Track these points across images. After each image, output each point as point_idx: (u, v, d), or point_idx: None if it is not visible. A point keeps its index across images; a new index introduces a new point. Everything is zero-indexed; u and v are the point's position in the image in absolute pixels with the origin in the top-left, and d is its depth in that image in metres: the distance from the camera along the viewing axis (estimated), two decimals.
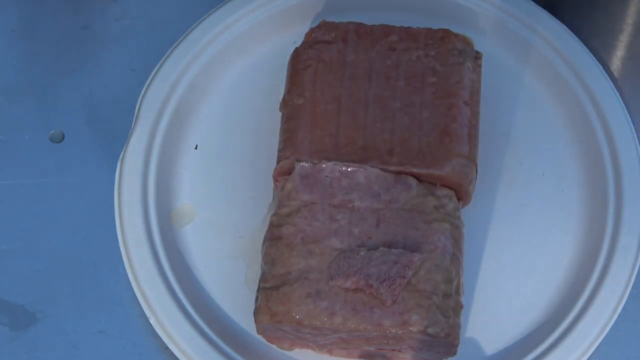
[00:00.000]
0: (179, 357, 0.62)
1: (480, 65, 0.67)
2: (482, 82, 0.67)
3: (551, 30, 0.71)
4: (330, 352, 0.63)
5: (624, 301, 0.63)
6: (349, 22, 0.67)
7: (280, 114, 0.66)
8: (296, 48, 0.67)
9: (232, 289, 0.65)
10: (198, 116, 0.70)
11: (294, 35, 0.72)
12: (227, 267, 0.66)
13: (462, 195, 0.63)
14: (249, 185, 0.68)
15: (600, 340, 0.62)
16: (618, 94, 0.69)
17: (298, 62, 0.66)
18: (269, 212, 0.67)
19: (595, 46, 0.73)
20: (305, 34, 0.67)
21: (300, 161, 0.62)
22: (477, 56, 0.67)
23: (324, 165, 0.62)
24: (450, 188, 0.62)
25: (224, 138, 0.70)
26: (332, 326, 0.58)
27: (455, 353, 0.60)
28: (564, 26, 0.71)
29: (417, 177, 0.62)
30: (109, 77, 0.72)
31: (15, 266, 0.66)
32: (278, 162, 0.63)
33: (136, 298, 0.63)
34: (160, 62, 0.70)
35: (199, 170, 0.69)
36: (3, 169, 0.69)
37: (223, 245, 0.66)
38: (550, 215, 0.67)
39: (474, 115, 0.64)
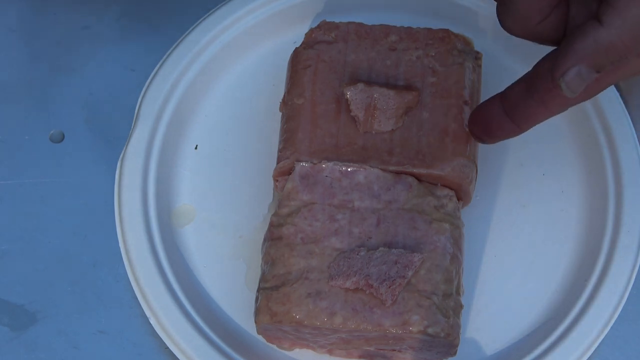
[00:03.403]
0: (179, 357, 0.62)
1: (480, 65, 0.67)
2: (482, 82, 0.67)
3: None
4: (330, 352, 0.63)
5: (624, 301, 0.63)
6: (349, 22, 0.67)
7: (280, 114, 0.66)
8: (296, 48, 0.67)
9: (232, 289, 0.65)
10: (198, 116, 0.70)
11: (294, 35, 0.72)
12: (227, 267, 0.66)
13: (462, 195, 0.63)
14: (249, 185, 0.68)
15: (600, 340, 0.62)
16: (618, 94, 0.69)
17: (298, 62, 0.66)
18: (269, 212, 0.67)
19: None
20: (305, 34, 0.67)
21: (300, 161, 0.62)
22: (477, 56, 0.67)
23: (324, 165, 0.62)
24: (450, 188, 0.62)
25: (224, 138, 0.70)
26: (332, 326, 0.58)
27: (455, 353, 0.60)
28: None
29: (417, 177, 0.62)
30: (109, 77, 0.72)
31: (15, 266, 0.66)
32: (278, 162, 0.63)
33: (136, 298, 0.63)
34: (160, 62, 0.70)
35: (199, 170, 0.69)
36: (3, 169, 0.69)
37: (223, 245, 0.66)
38: (550, 215, 0.67)
39: None
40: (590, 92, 0.56)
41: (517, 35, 0.58)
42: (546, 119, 0.58)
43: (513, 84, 0.58)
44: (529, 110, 0.57)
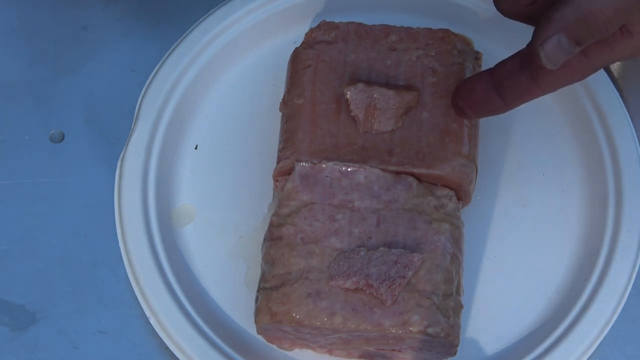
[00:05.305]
0: (179, 357, 0.62)
1: (480, 66, 0.67)
2: None
3: None
4: (330, 352, 0.63)
5: (624, 301, 0.63)
6: (349, 22, 0.67)
7: (280, 114, 0.66)
8: (296, 48, 0.67)
9: (232, 289, 0.65)
10: (198, 116, 0.70)
11: (294, 35, 0.72)
12: (227, 267, 0.66)
13: (462, 195, 0.63)
14: (249, 185, 0.68)
15: (600, 340, 0.62)
16: (618, 94, 0.69)
17: (298, 62, 0.66)
18: (269, 212, 0.67)
19: None
20: (305, 34, 0.67)
21: (300, 161, 0.62)
22: (477, 56, 0.67)
23: (324, 165, 0.62)
24: (450, 188, 0.62)
25: (224, 138, 0.70)
26: (332, 326, 0.58)
27: (455, 353, 0.60)
28: None
29: (417, 177, 0.62)
30: (109, 77, 0.72)
31: (15, 266, 0.66)
32: (278, 162, 0.63)
33: (136, 298, 0.63)
34: (160, 62, 0.70)
35: (199, 170, 0.69)
36: (3, 169, 0.69)
37: (223, 245, 0.66)
38: (550, 215, 0.67)
39: None
40: (582, 70, 0.55)
41: (510, 17, 0.58)
42: (535, 97, 0.58)
43: (505, 60, 0.58)
44: (519, 85, 0.57)
